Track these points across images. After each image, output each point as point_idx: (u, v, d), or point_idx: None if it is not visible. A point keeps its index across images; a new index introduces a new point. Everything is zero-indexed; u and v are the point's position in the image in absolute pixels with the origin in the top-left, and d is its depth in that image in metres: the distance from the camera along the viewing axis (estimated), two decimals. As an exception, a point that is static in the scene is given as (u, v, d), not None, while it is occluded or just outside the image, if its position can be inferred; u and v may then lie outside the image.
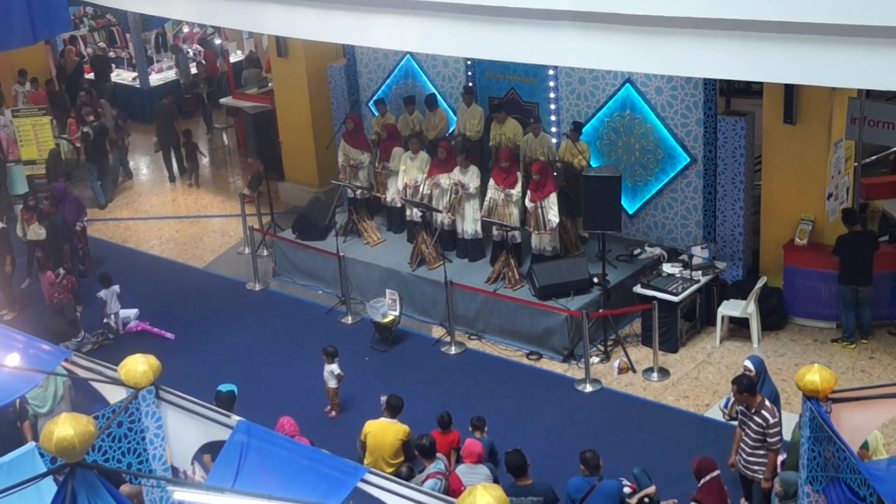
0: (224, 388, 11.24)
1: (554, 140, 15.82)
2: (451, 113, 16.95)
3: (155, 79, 25.40)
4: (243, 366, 14.31)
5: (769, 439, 10.02)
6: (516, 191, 14.56)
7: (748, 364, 10.67)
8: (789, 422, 10.42)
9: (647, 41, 11.31)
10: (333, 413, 13.22)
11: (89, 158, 19.99)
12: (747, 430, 10.16)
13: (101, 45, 27.48)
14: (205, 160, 22.31)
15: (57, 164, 19.76)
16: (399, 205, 16.04)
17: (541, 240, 14.59)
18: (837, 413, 7.61)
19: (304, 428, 11.17)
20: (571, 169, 14.97)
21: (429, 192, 15.31)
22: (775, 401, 10.51)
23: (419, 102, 16.93)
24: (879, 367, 13.25)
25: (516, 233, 14.69)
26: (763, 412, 9.99)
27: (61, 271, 15.58)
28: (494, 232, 14.93)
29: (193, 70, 25.12)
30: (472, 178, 15.01)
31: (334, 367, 12.99)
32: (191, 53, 26.57)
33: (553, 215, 14.28)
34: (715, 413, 12.58)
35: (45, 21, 15.63)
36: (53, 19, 15.74)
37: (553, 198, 14.27)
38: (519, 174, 14.74)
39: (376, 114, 17.42)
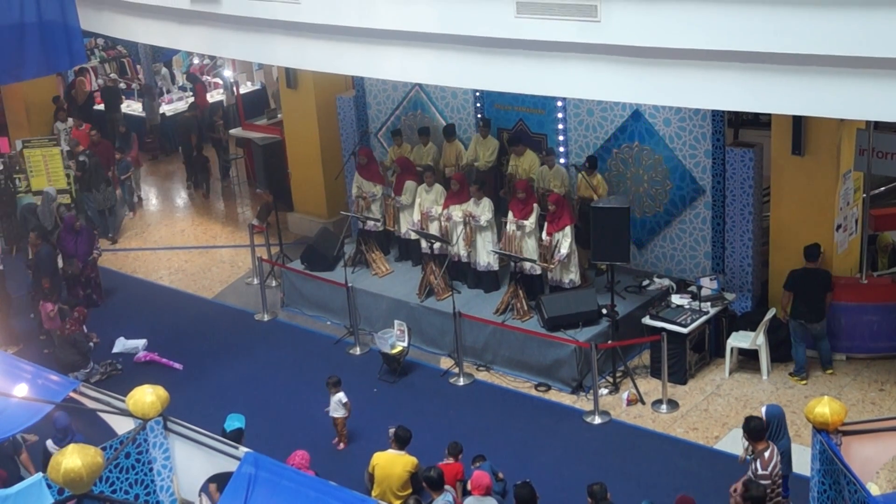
0: (229, 426, 11.19)
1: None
2: (461, 145, 16.97)
3: (165, 110, 25.51)
4: (251, 397, 14.29)
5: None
6: (530, 222, 14.54)
7: (762, 410, 10.54)
8: (803, 454, 10.29)
9: (655, 73, 11.37)
10: (341, 445, 13.18)
11: (83, 188, 20.01)
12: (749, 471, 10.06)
13: (112, 76, 27.62)
14: (218, 175, 22.87)
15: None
16: (413, 236, 16.01)
17: (556, 272, 14.56)
18: (848, 446, 7.59)
19: (312, 459, 11.14)
20: (588, 203, 14.89)
21: (446, 225, 15.29)
22: (784, 454, 10.23)
23: (433, 134, 16.97)
24: (890, 400, 13.18)
25: (535, 264, 14.66)
26: (758, 461, 9.82)
27: (55, 306, 15.51)
28: (513, 264, 14.88)
29: (186, 103, 25.31)
30: (484, 210, 15.01)
31: (341, 396, 12.97)
32: (183, 84, 26.78)
33: (563, 248, 14.27)
34: (724, 445, 12.53)
35: (58, 53, 15.71)
36: (67, 51, 15.82)
37: (567, 230, 14.27)
38: (535, 205, 14.74)
39: (387, 146, 17.45)
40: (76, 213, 18.62)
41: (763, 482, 9.74)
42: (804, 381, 13.67)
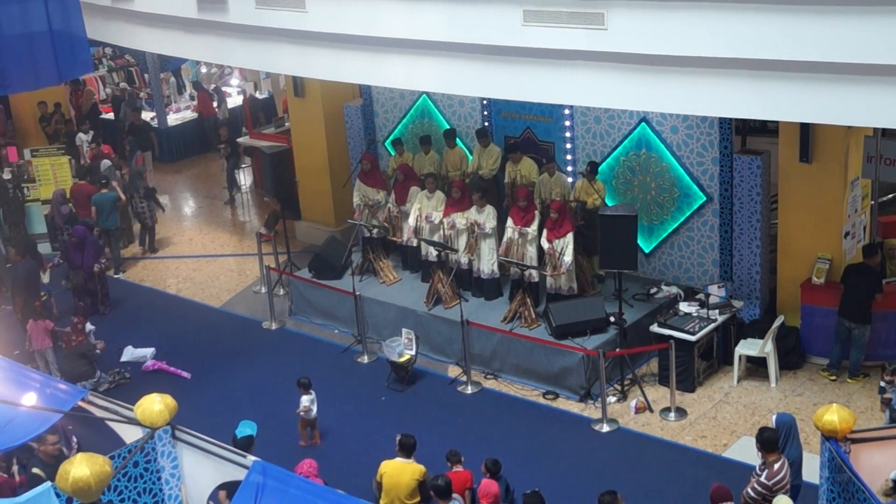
0: (240, 432, 11.23)
1: (570, 179, 15.87)
2: (467, 151, 16.98)
3: (173, 118, 25.60)
4: (259, 405, 14.28)
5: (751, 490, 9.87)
6: (532, 229, 14.56)
7: (773, 418, 10.53)
8: (812, 462, 10.27)
9: (662, 80, 11.37)
10: (315, 441, 13.46)
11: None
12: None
13: (122, 84, 27.73)
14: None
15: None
16: (415, 244, 16.03)
17: (556, 279, 14.58)
18: (856, 453, 7.58)
19: (321, 467, 11.13)
20: (586, 208, 15.01)
21: (449, 233, 15.30)
22: (794, 464, 10.17)
23: (435, 142, 16.99)
24: (899, 407, 13.15)
25: (533, 272, 14.67)
26: (765, 472, 9.78)
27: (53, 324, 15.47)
28: (512, 271, 14.92)
29: (193, 114, 25.46)
30: (487, 217, 15.03)
31: (306, 399, 13.20)
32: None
33: (567, 255, 14.27)
34: (733, 453, 12.51)
35: (68, 62, 15.76)
36: (76, 60, 15.87)
37: (569, 237, 14.28)
38: (536, 213, 14.75)
39: (393, 153, 17.47)
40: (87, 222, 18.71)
41: (760, 490, 9.72)
42: (833, 377, 13.67)
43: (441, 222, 15.44)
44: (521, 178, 15.79)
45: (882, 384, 11.99)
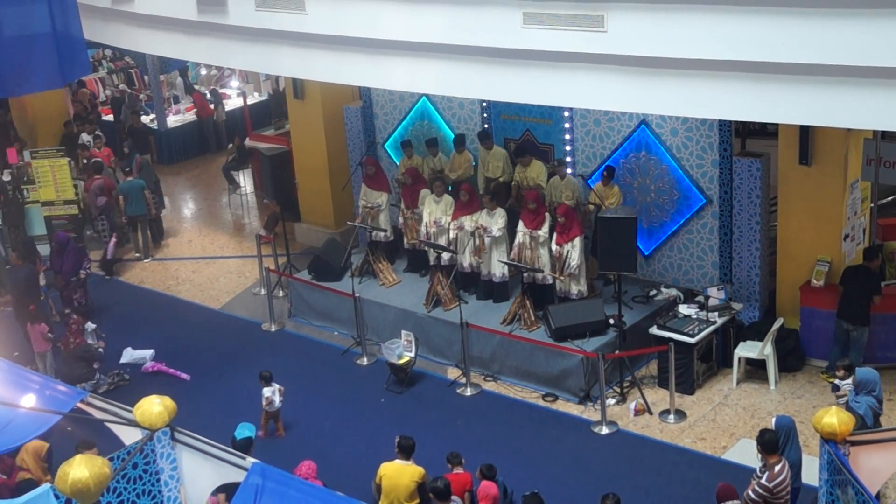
0: (239, 434, 11.24)
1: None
2: (472, 156, 16.97)
3: (172, 120, 25.61)
4: (258, 407, 14.26)
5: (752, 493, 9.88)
6: (543, 232, 14.51)
7: (773, 421, 10.56)
8: (811, 465, 10.28)
9: (662, 83, 11.38)
10: (279, 433, 13.64)
11: None
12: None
13: (122, 86, 27.73)
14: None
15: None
16: (424, 248, 15.96)
17: (566, 283, 14.55)
18: (856, 456, 7.58)
19: (320, 469, 11.13)
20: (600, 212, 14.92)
21: (455, 236, 15.27)
22: (793, 466, 10.20)
23: (441, 144, 16.97)
24: (898, 410, 13.18)
25: (546, 275, 14.63)
26: (766, 475, 9.79)
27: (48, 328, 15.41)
28: (524, 274, 14.84)
29: (193, 116, 25.52)
30: (497, 220, 14.95)
31: (271, 389, 13.40)
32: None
33: (573, 259, 14.25)
34: (732, 455, 12.51)
35: (66, 65, 15.77)
36: (75, 63, 15.90)
37: (577, 241, 14.26)
38: (547, 215, 14.71)
39: (393, 156, 17.45)
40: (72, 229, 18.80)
41: (761, 492, 9.72)
42: (832, 380, 13.68)
43: (449, 225, 15.42)
44: (529, 180, 15.73)
45: (836, 381, 11.99)
